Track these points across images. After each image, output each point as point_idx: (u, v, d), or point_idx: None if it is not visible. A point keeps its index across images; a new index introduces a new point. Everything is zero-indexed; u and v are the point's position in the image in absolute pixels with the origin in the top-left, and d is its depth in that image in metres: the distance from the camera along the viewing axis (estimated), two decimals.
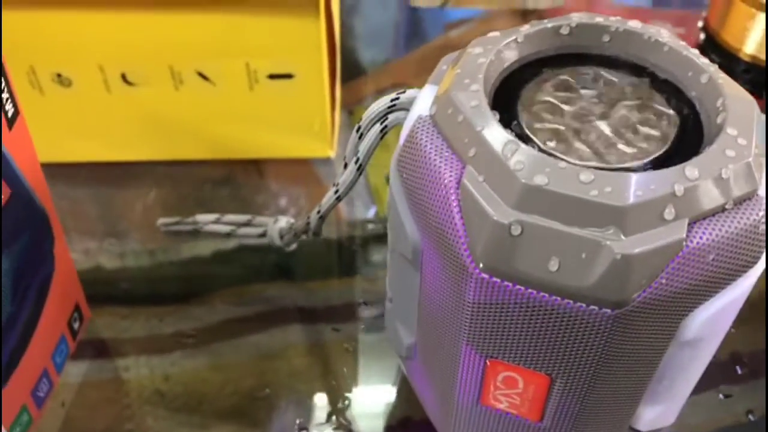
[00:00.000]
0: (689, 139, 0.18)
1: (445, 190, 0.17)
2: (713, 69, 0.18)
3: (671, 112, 0.18)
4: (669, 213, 0.15)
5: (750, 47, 0.36)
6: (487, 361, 0.19)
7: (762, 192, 0.17)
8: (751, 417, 0.26)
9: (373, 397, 0.27)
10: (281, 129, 0.33)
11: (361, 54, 0.44)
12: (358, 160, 0.21)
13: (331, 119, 0.33)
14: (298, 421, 0.26)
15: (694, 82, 0.19)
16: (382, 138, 0.21)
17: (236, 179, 0.35)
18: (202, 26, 0.29)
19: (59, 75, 0.30)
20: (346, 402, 0.27)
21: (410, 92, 0.20)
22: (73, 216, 0.33)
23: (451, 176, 0.17)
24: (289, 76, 0.31)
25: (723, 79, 0.18)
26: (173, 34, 0.29)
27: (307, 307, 0.30)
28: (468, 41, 0.20)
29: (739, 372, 0.28)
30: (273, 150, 0.34)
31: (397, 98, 0.20)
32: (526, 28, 0.19)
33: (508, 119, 0.18)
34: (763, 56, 0.36)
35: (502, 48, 0.19)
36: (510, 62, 0.19)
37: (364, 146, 0.21)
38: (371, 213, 0.34)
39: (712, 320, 0.17)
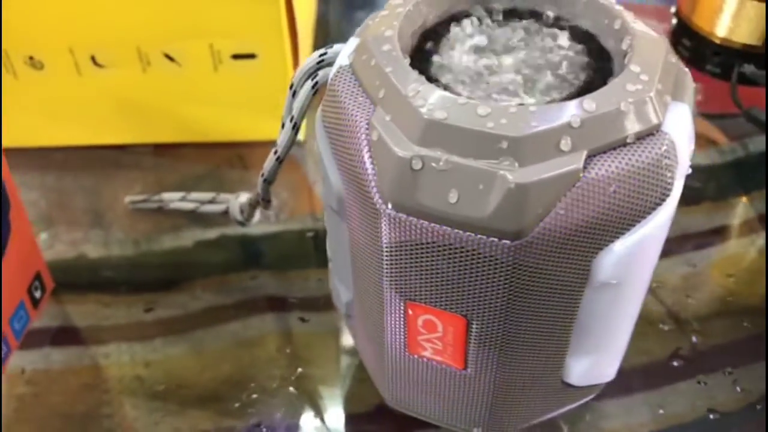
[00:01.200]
0: (599, 82, 0.18)
1: (356, 132, 0.17)
2: (627, 15, 0.19)
3: (586, 58, 0.19)
4: (565, 144, 0.16)
5: (721, 30, 0.36)
6: (407, 305, 0.19)
7: (666, 128, 0.17)
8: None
9: (348, 384, 0.27)
10: (247, 110, 0.33)
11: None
12: (293, 118, 0.22)
13: None
14: (274, 408, 0.26)
15: (609, 29, 0.19)
16: (314, 94, 0.21)
17: (220, 170, 0.35)
18: (167, 6, 0.30)
19: (31, 58, 0.31)
20: (322, 389, 0.27)
21: (336, 47, 0.20)
22: (61, 207, 0.34)
23: (362, 118, 0.17)
24: (252, 56, 0.31)
25: (635, 23, 0.18)
26: (139, 15, 0.30)
27: (286, 297, 0.31)
28: None
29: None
30: (240, 132, 0.34)
31: (325, 53, 0.20)
32: None
33: (422, 63, 0.18)
34: (733, 38, 0.36)
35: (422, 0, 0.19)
36: (432, 14, 0.20)
37: (297, 104, 0.21)
38: None
39: (625, 261, 0.17)
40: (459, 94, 0.17)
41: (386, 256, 0.18)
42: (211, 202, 0.31)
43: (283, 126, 0.22)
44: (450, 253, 0.17)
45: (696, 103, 0.36)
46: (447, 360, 0.20)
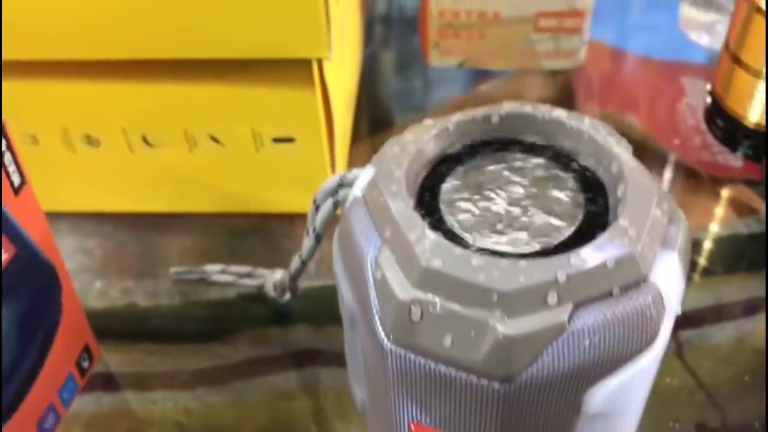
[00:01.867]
0: (593, 228, 0.19)
1: (364, 266, 0.19)
2: (625, 157, 0.20)
3: (582, 200, 0.20)
4: (552, 298, 0.17)
5: (754, 115, 0.37)
6: (411, 424, 0.20)
7: (653, 278, 0.18)
8: None
9: None
10: (287, 186, 0.35)
11: (388, 109, 0.46)
12: (315, 230, 0.23)
13: None
14: None
15: (607, 170, 0.20)
16: (335, 211, 0.23)
17: (268, 227, 0.37)
18: (212, 94, 0.32)
19: (88, 136, 0.34)
20: None
21: (354, 171, 0.22)
22: (116, 257, 0.37)
23: (370, 253, 0.19)
24: (290, 139, 0.33)
25: (632, 167, 0.19)
26: (186, 101, 0.32)
27: (325, 351, 0.32)
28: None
29: None
30: (281, 205, 0.36)
31: (345, 176, 0.22)
32: (457, 117, 0.21)
33: (427, 204, 0.20)
34: (765, 123, 0.36)
35: (432, 136, 0.21)
36: (440, 149, 0.21)
37: (319, 218, 0.23)
38: None
39: (616, 396, 0.18)
40: (459, 234, 0.19)
41: (390, 380, 0.19)
42: (249, 275, 0.33)
43: (307, 233, 0.24)
44: (447, 387, 0.18)
45: (735, 171, 0.36)
46: None
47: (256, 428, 0.29)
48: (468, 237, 0.19)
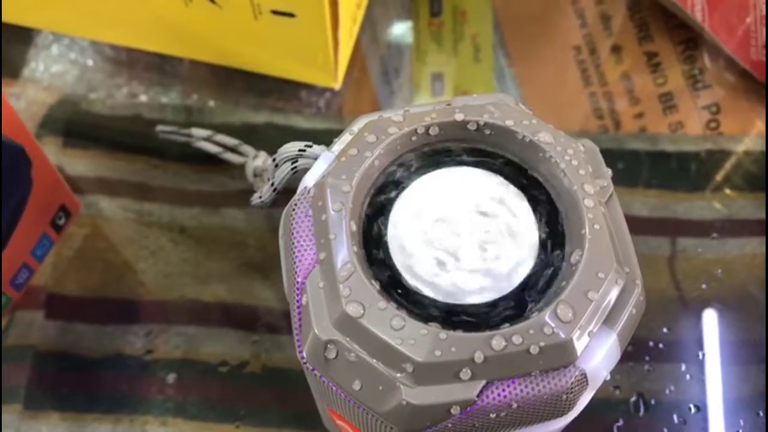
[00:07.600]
0: (540, 278, 0.18)
1: (295, 278, 0.18)
2: (596, 213, 0.18)
3: (537, 249, 0.18)
4: (465, 374, 0.16)
5: None
6: (329, 409, 0.21)
7: (583, 362, 0.17)
8: None
9: None
10: (286, 55, 0.33)
11: None
12: (273, 183, 0.22)
13: (334, 56, 0.32)
14: None
15: (570, 222, 0.18)
16: (292, 174, 0.22)
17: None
18: None
19: None
20: None
21: (316, 149, 0.20)
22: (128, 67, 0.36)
23: (302, 269, 0.18)
24: (291, 15, 0.30)
25: (598, 228, 0.18)
26: None
27: None
28: None
29: None
30: (280, 70, 0.34)
31: (305, 150, 0.21)
32: (429, 119, 0.19)
33: (374, 216, 0.19)
34: None
35: (393, 141, 0.19)
36: (402, 152, 0.19)
37: (278, 175, 0.22)
38: None
39: None
40: (398, 270, 0.18)
41: (308, 376, 0.19)
42: (233, 150, 0.32)
43: (267, 179, 0.23)
44: (352, 409, 0.18)
45: None
46: None
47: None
48: (407, 277, 0.18)
